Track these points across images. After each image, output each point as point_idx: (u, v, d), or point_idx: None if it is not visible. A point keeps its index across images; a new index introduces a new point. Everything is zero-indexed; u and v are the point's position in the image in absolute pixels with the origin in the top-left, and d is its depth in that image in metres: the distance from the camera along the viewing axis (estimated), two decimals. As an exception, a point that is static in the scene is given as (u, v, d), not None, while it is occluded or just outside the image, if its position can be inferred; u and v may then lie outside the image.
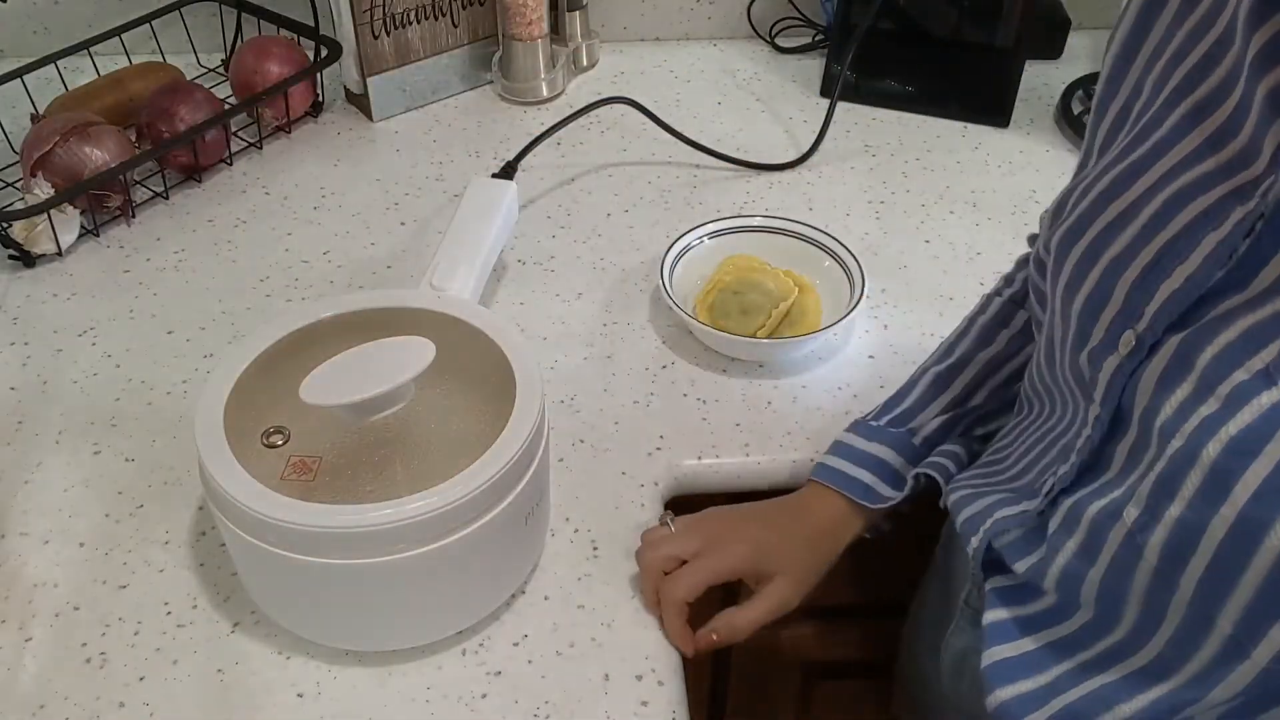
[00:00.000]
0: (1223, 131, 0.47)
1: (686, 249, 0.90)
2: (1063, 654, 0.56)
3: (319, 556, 0.60)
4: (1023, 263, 0.77)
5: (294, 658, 0.67)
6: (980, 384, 0.74)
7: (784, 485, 0.80)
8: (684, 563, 0.68)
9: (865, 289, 0.86)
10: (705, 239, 0.91)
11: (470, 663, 0.67)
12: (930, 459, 0.72)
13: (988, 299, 0.77)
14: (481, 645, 0.67)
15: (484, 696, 0.65)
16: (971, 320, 0.77)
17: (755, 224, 0.92)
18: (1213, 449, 0.43)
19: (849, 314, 0.84)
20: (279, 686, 0.65)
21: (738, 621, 0.67)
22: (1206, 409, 0.44)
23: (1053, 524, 0.56)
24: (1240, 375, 0.43)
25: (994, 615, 0.61)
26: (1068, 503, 0.55)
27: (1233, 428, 0.43)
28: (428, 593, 0.63)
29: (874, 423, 0.75)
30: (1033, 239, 0.74)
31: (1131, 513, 0.49)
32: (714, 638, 0.67)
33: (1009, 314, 0.75)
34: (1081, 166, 0.61)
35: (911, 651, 0.80)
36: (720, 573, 0.67)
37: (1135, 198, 0.50)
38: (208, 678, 0.65)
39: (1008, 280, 0.76)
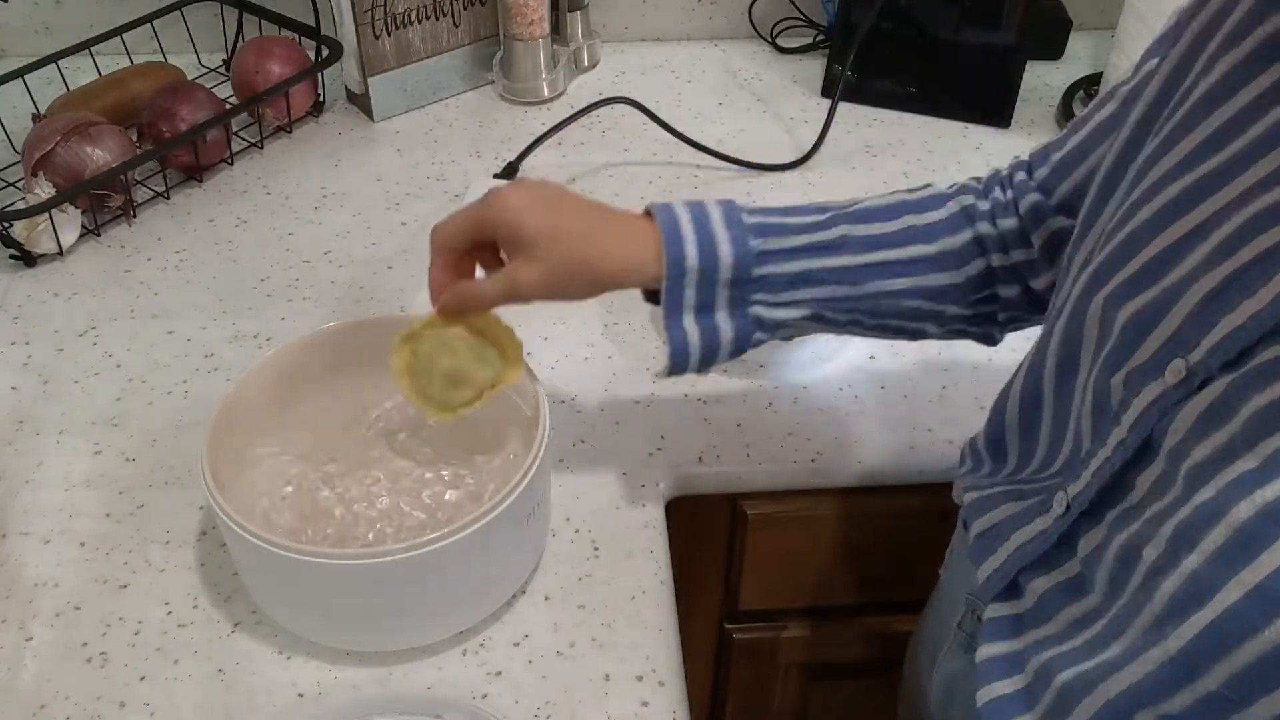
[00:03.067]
0: None
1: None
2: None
3: (319, 557, 0.60)
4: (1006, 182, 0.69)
5: (294, 658, 0.67)
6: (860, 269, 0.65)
7: (785, 486, 0.81)
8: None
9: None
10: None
11: (471, 663, 0.67)
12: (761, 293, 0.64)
13: (937, 198, 0.68)
14: (482, 645, 0.67)
15: (484, 697, 0.65)
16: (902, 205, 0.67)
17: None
18: (1244, 509, 0.41)
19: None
20: (279, 686, 0.65)
21: (474, 289, 0.64)
22: (1244, 464, 0.42)
23: (1083, 548, 0.53)
24: None
25: (990, 650, 0.58)
26: (1095, 531, 0.52)
27: (1269, 493, 0.40)
28: (428, 593, 0.63)
29: (743, 214, 0.65)
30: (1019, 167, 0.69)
31: (1150, 554, 0.46)
32: (449, 300, 0.64)
33: (954, 237, 0.66)
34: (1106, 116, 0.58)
35: (912, 665, 0.79)
36: (481, 219, 0.62)
37: (1207, 216, 0.46)
38: (208, 678, 0.66)
39: (973, 189, 0.68)
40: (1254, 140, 0.45)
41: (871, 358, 0.87)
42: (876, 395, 0.84)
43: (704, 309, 0.64)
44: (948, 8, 1.11)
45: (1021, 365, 0.62)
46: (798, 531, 0.86)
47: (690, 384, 0.84)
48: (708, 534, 0.87)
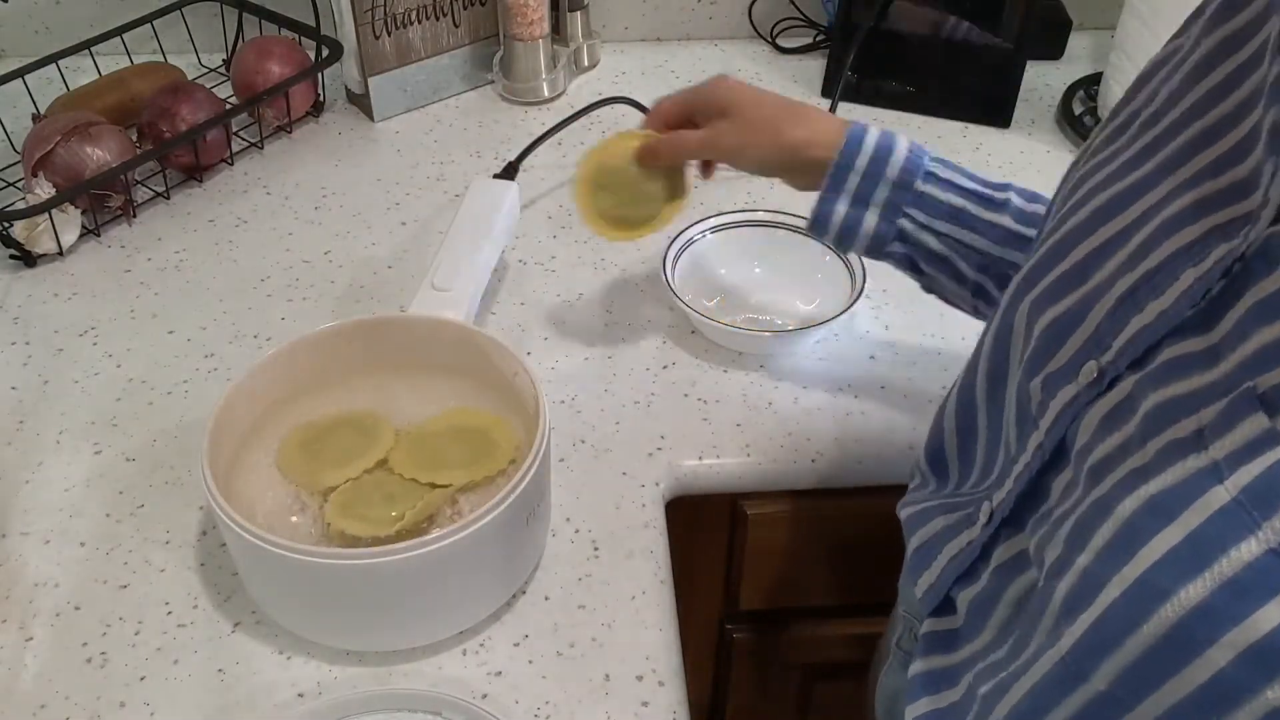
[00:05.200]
0: (1226, 159, 0.44)
1: (689, 243, 0.90)
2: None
3: (319, 556, 0.60)
4: None
5: (294, 658, 0.67)
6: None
7: (786, 486, 0.81)
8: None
9: (866, 283, 0.86)
10: (708, 233, 0.92)
11: (471, 663, 0.67)
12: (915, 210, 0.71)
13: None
14: (482, 645, 0.67)
15: (484, 696, 0.65)
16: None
17: (759, 218, 0.93)
18: (1129, 504, 0.41)
19: (851, 305, 0.84)
20: (279, 686, 0.65)
21: (682, 136, 0.76)
22: (1134, 461, 0.42)
23: (997, 557, 0.53)
24: (1174, 432, 0.40)
25: (919, 666, 0.57)
26: (1014, 540, 0.52)
27: (1153, 486, 0.40)
28: (428, 593, 0.63)
29: (928, 151, 0.72)
30: None
31: (1050, 556, 0.46)
32: (660, 144, 0.77)
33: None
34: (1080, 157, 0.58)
35: (870, 681, 0.79)
36: (699, 92, 0.77)
37: (1129, 222, 0.47)
38: (208, 677, 0.66)
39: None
40: (1175, 149, 0.47)
41: (871, 358, 0.87)
42: (876, 395, 0.84)
43: (859, 200, 0.71)
44: (948, 8, 1.11)
45: (956, 380, 0.62)
46: (798, 531, 0.86)
47: (690, 383, 0.84)
48: (708, 534, 0.87)
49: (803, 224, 0.91)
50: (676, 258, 0.89)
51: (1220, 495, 0.38)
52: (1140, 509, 0.40)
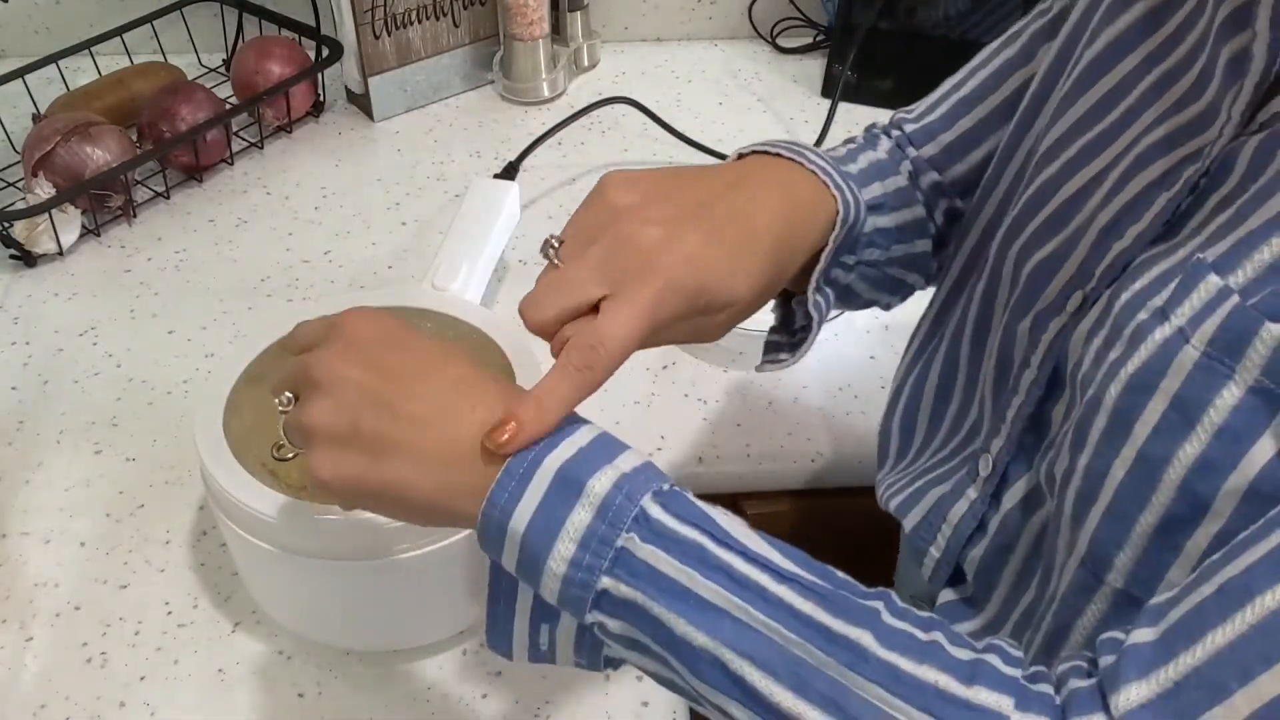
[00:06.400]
0: (1186, 97, 0.47)
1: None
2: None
3: (319, 556, 0.60)
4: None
5: (294, 657, 0.67)
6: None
7: (785, 486, 0.81)
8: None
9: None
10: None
11: (471, 663, 0.67)
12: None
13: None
14: (482, 645, 0.67)
15: (484, 696, 0.65)
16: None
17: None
18: (1114, 390, 0.43)
19: (850, 314, 0.84)
20: (279, 686, 0.65)
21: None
22: (1114, 353, 0.44)
23: (1007, 501, 0.54)
24: (1141, 315, 0.43)
25: None
26: (1025, 476, 0.53)
27: (1131, 366, 0.43)
28: (428, 593, 0.63)
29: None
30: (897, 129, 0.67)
31: (1059, 470, 0.48)
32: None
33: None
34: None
35: None
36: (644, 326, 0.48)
37: (1103, 166, 0.50)
38: (208, 677, 0.66)
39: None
40: (1137, 98, 0.49)
41: (872, 358, 0.87)
42: (876, 395, 0.84)
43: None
44: (948, 7, 1.11)
45: (942, 336, 0.63)
46: (798, 531, 0.86)
47: (690, 384, 0.84)
48: (708, 534, 0.87)
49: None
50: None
51: (1190, 354, 0.40)
52: (1124, 391, 0.43)
